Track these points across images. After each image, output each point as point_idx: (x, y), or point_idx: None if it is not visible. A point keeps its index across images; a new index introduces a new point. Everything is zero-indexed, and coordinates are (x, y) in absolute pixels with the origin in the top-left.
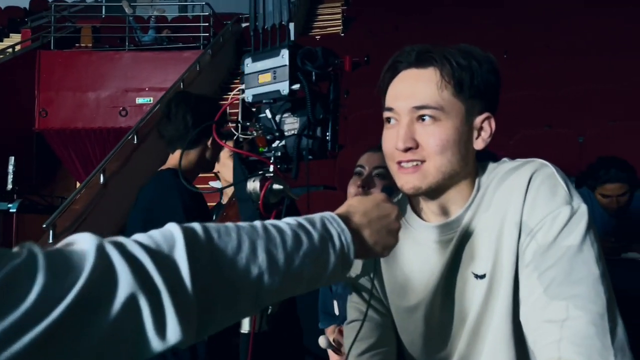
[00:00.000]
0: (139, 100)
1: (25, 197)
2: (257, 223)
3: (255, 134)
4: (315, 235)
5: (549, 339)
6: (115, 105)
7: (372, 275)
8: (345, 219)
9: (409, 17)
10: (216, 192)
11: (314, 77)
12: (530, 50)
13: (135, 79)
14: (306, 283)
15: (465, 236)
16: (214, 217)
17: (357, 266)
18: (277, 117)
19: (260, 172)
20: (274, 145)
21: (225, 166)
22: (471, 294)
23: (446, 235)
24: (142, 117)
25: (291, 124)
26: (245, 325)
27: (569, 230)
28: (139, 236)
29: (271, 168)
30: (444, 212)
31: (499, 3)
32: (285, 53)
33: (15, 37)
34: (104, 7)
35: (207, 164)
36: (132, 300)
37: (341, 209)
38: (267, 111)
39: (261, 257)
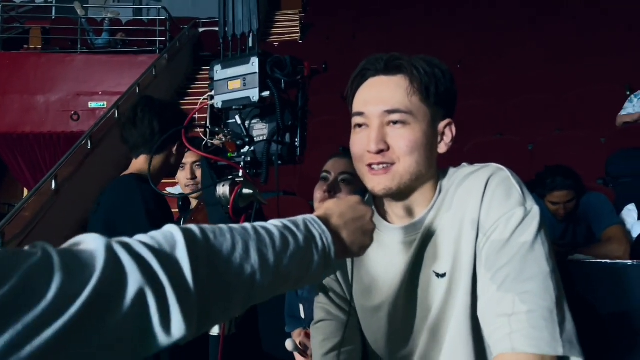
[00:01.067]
0: (92, 105)
1: None
2: (247, 225)
3: (223, 140)
4: (300, 236)
5: (502, 332)
6: (67, 109)
7: (351, 274)
8: (325, 221)
9: (365, 25)
10: (175, 197)
11: (283, 85)
12: (482, 61)
13: (88, 83)
14: (292, 282)
15: (427, 237)
16: (181, 222)
17: None
18: (246, 123)
19: (229, 177)
20: (243, 150)
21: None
22: (433, 292)
23: (410, 237)
24: (96, 122)
25: (260, 129)
26: (215, 329)
27: (522, 230)
28: (141, 237)
29: (240, 173)
30: (409, 213)
31: (453, 14)
32: (255, 61)
33: None
34: (54, 8)
35: (171, 168)
36: (141, 296)
37: (319, 212)
38: (237, 117)
39: (254, 257)
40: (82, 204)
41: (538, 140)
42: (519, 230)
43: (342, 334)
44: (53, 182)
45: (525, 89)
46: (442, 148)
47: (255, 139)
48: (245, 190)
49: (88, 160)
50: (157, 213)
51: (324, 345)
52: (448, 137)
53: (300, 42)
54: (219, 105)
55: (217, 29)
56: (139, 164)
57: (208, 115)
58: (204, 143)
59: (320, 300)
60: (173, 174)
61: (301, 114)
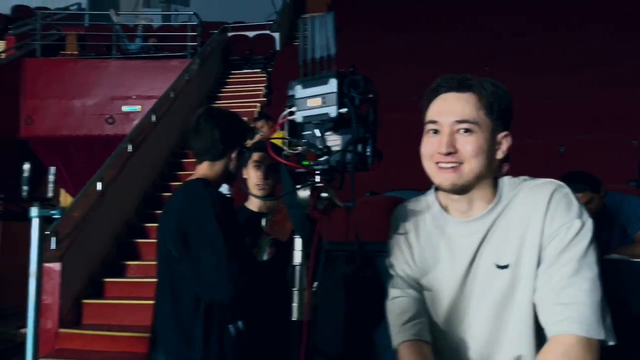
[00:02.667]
0: (126, 109)
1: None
2: None
3: (300, 149)
4: None
5: (558, 318)
6: (102, 113)
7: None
8: None
9: (392, 29)
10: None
11: (357, 102)
12: (510, 63)
13: (122, 87)
14: None
15: (490, 232)
16: (262, 222)
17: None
18: (323, 135)
19: (309, 182)
20: (320, 159)
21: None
22: (493, 281)
23: (472, 230)
24: (136, 126)
25: (334, 140)
26: (296, 314)
27: (579, 239)
28: None
29: (317, 178)
30: (469, 208)
31: (482, 14)
32: (333, 82)
33: None
34: (87, 15)
35: (230, 175)
36: None
37: None
38: (317, 130)
39: None
40: (126, 205)
41: (569, 143)
42: (576, 239)
43: (416, 307)
44: (99, 184)
45: (554, 92)
46: (499, 155)
47: (331, 149)
48: (324, 194)
49: (130, 163)
50: (223, 216)
51: (400, 317)
52: (504, 146)
53: None
54: (300, 120)
55: (244, 32)
56: (202, 169)
57: (286, 128)
58: (283, 152)
59: (395, 282)
60: (233, 179)
61: (372, 127)
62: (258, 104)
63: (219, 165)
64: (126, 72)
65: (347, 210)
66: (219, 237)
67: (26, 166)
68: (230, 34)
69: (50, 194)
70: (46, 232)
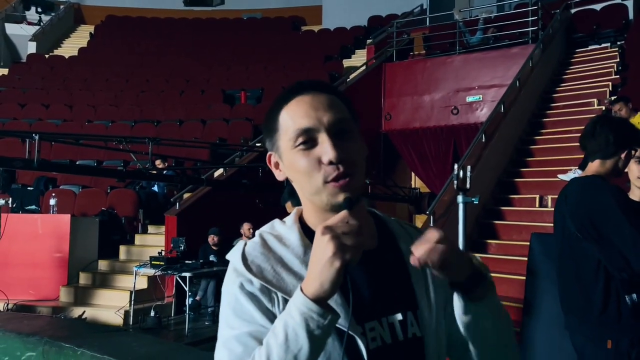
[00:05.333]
0: (469, 99)
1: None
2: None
3: None
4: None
5: None
6: (447, 105)
7: None
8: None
9: None
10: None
11: None
12: None
13: (466, 79)
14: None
15: None
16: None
17: None
18: None
19: None
20: None
21: (630, 170)
22: None
23: None
24: (488, 118)
25: None
26: None
27: None
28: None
29: None
30: None
31: None
32: None
33: (360, 53)
34: (427, 18)
35: (618, 171)
36: None
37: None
38: None
39: None
40: (484, 190)
41: None
42: None
43: None
44: (461, 172)
45: None
46: None
47: None
48: None
49: (484, 152)
50: (623, 205)
51: None
52: None
53: None
54: None
55: (591, 6)
56: (594, 166)
57: None
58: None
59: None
60: (620, 175)
61: None
62: (609, 83)
63: (610, 163)
64: (468, 64)
65: None
66: (624, 220)
67: None
68: (573, 10)
69: (467, 186)
70: (427, 212)
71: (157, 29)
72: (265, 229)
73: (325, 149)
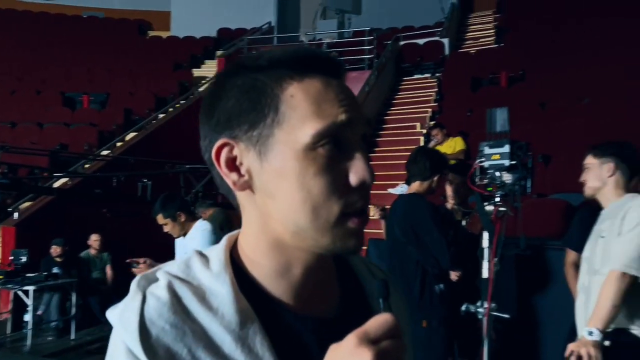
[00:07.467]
0: None
1: None
2: None
3: (486, 181)
4: None
5: None
6: None
7: None
8: None
9: (565, 29)
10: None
11: (522, 157)
12: None
13: None
14: None
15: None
16: (463, 222)
17: None
18: (500, 174)
19: (491, 202)
20: (499, 188)
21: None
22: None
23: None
24: None
25: (507, 178)
26: (485, 272)
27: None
28: None
29: (497, 199)
30: None
31: None
32: (507, 146)
33: (210, 63)
34: (275, 37)
35: (433, 190)
36: None
37: None
38: (497, 173)
39: None
40: None
41: None
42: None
43: None
44: None
45: None
46: None
47: (505, 183)
48: (501, 208)
49: None
50: (435, 217)
51: None
52: None
53: (495, 46)
54: (487, 166)
55: (415, 40)
56: (415, 186)
57: (477, 173)
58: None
59: None
60: (434, 192)
61: (531, 170)
62: (429, 110)
63: (426, 184)
64: None
65: (515, 211)
66: (435, 229)
67: None
68: (401, 42)
69: None
70: None
71: None
72: (176, 271)
73: (358, 165)
